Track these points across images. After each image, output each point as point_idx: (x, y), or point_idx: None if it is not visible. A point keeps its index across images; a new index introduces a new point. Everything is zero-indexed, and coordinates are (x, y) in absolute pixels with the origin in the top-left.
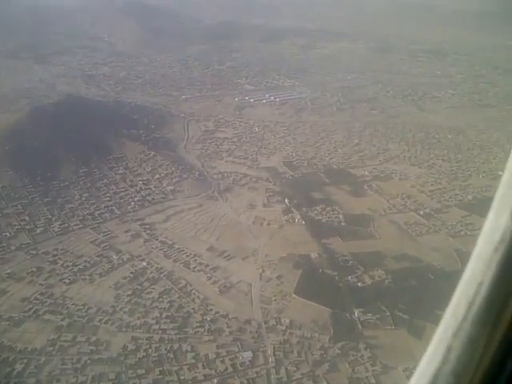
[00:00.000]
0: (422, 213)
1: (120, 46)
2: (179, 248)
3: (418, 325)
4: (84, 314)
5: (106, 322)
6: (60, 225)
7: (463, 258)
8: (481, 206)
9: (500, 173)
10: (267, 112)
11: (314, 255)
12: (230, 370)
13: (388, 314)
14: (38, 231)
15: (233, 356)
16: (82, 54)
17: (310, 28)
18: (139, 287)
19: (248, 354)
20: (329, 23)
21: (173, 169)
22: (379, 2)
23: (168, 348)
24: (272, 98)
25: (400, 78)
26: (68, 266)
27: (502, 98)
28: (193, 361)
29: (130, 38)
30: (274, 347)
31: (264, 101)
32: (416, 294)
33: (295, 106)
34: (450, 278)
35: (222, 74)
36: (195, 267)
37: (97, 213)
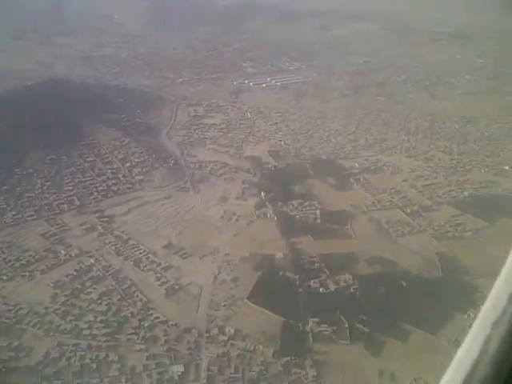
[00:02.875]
0: (408, 210)
1: (127, 27)
2: (134, 244)
3: (378, 340)
4: (13, 315)
5: (34, 325)
6: (13, 215)
7: (445, 263)
8: (476, 205)
9: (506, 167)
10: (265, 97)
11: (278, 255)
12: None
13: (346, 325)
14: None
15: (162, 369)
16: (87, 34)
17: (327, 9)
18: (80, 287)
19: (179, 368)
20: (349, 3)
21: (146, 157)
22: None
23: (93, 357)
24: (273, 82)
25: (415, 63)
26: (10, 261)
27: None
28: (116, 373)
29: (139, 18)
30: (209, 361)
31: (264, 85)
32: (382, 304)
33: (296, 91)
34: (425, 287)
35: (227, 56)
36: (146, 266)
37: (55, 203)
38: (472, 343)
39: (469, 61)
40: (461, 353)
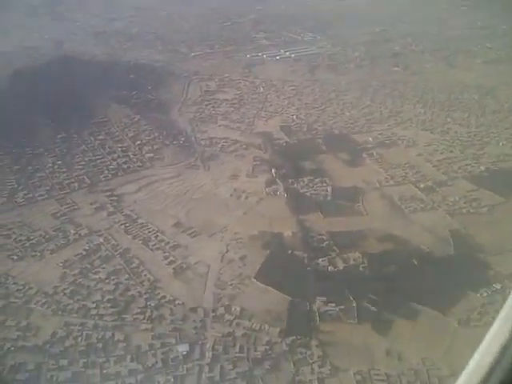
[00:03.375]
0: (422, 186)
1: (140, 0)
2: (143, 223)
3: (386, 319)
4: (22, 295)
5: (42, 305)
6: (24, 195)
7: (458, 240)
8: (492, 179)
9: None
10: (278, 70)
11: (287, 234)
12: (160, 365)
13: (354, 305)
14: (0, 202)
15: (167, 349)
16: (99, 9)
17: None
18: (89, 266)
19: (184, 348)
20: None
21: (156, 134)
22: None
23: (99, 337)
24: (287, 53)
25: (434, 31)
26: (21, 241)
27: None
28: (122, 352)
29: None
30: (215, 340)
31: (278, 57)
32: (392, 283)
33: (310, 63)
34: (437, 265)
35: (241, 28)
36: (154, 245)
37: (66, 182)
38: (497, 334)
39: (491, 28)
40: (484, 344)
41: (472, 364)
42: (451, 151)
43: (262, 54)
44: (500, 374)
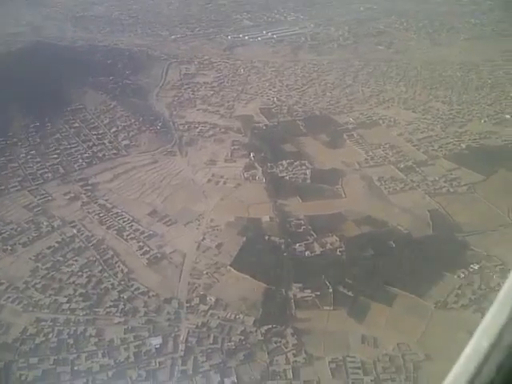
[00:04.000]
0: (402, 166)
1: None
2: (117, 212)
3: (362, 304)
4: None
5: (13, 301)
6: None
7: (437, 220)
8: (473, 157)
9: (507, 116)
10: (260, 51)
11: (265, 219)
12: (132, 359)
13: (330, 290)
14: None
15: (140, 342)
16: None
17: None
18: (61, 259)
19: (157, 341)
20: None
21: (132, 120)
22: None
23: (71, 332)
24: (269, 34)
25: (419, 8)
26: None
27: None
28: (94, 348)
29: None
30: (188, 332)
31: (259, 38)
32: (369, 267)
33: (292, 44)
34: (415, 246)
35: (222, 9)
36: (129, 235)
37: (39, 172)
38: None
39: (476, 3)
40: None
41: (469, 347)
42: (432, 130)
43: (244, 36)
44: (498, 357)
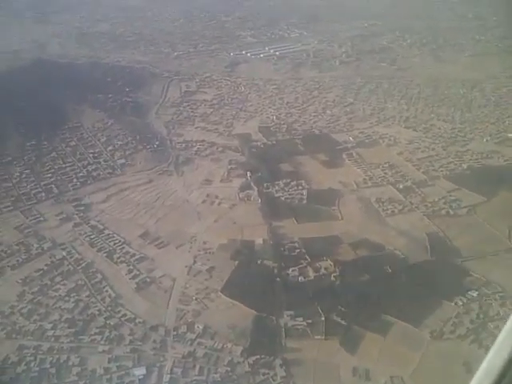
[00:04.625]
0: (401, 187)
1: (127, 0)
2: (109, 234)
3: (355, 334)
4: None
5: None
6: None
7: (435, 244)
8: (474, 178)
9: (510, 135)
10: (262, 68)
11: (258, 241)
12: None
13: (322, 318)
14: None
15: (123, 372)
16: (86, 10)
17: None
18: (49, 282)
19: (140, 371)
20: None
21: (129, 139)
22: None
23: (54, 360)
24: (272, 51)
25: (423, 24)
26: None
27: None
28: (75, 378)
29: None
30: (174, 361)
31: (262, 55)
32: (363, 293)
33: (294, 60)
34: (412, 272)
35: (226, 25)
36: (119, 257)
37: (33, 192)
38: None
39: (481, 19)
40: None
41: (484, 365)
42: (433, 149)
43: (246, 52)
44: None
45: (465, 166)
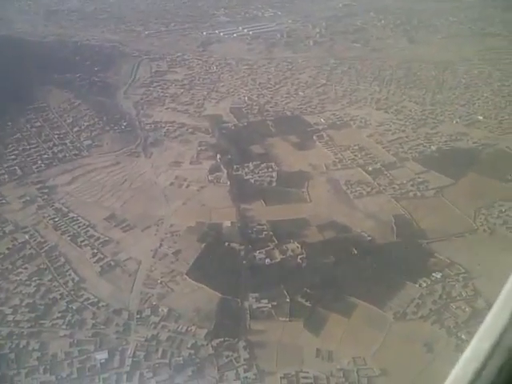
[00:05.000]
0: (370, 169)
1: None
2: (73, 217)
3: (320, 315)
4: None
5: None
6: None
7: (402, 226)
8: (442, 160)
9: (479, 117)
10: (235, 48)
11: (226, 224)
12: (75, 375)
13: (288, 300)
14: None
15: (85, 357)
16: None
17: None
18: (10, 266)
19: (102, 355)
20: None
21: (96, 119)
22: None
23: (13, 346)
24: (245, 30)
25: (398, 5)
26: None
27: (509, 25)
28: (35, 363)
29: None
30: (136, 345)
31: (235, 35)
32: (329, 275)
33: (268, 40)
34: (377, 254)
35: (199, 4)
36: (83, 241)
37: None
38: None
39: (456, 0)
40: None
41: (469, 350)
42: (403, 131)
43: (219, 32)
44: (498, 359)
45: (434, 147)
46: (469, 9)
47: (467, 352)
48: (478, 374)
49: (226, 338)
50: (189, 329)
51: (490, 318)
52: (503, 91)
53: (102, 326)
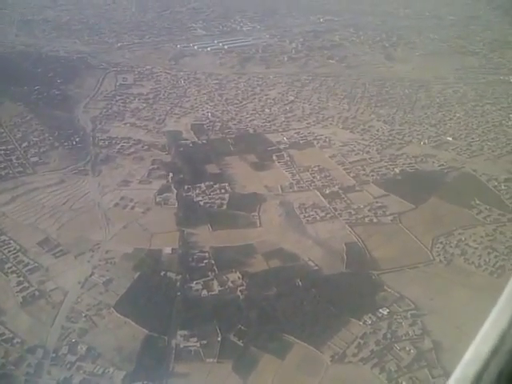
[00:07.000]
0: (327, 192)
1: None
2: (5, 240)
3: (251, 356)
4: None
5: None
6: None
7: (353, 255)
8: (405, 184)
9: (449, 138)
10: (207, 62)
11: (166, 251)
12: None
13: (219, 339)
14: None
15: None
16: None
17: None
18: None
19: None
20: None
21: (47, 135)
22: None
23: None
24: (220, 44)
25: (379, 21)
26: None
27: (489, 43)
28: None
29: None
30: None
31: (209, 48)
32: (268, 310)
33: (242, 55)
34: (323, 286)
35: (178, 17)
36: (11, 267)
37: None
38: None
39: (438, 17)
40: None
41: (470, 353)
42: (368, 152)
43: (194, 45)
44: (499, 362)
45: (397, 170)
46: (450, 26)
47: (468, 355)
48: (479, 376)
49: (145, 382)
50: (106, 370)
51: (489, 321)
52: (476, 111)
53: (11, 367)
